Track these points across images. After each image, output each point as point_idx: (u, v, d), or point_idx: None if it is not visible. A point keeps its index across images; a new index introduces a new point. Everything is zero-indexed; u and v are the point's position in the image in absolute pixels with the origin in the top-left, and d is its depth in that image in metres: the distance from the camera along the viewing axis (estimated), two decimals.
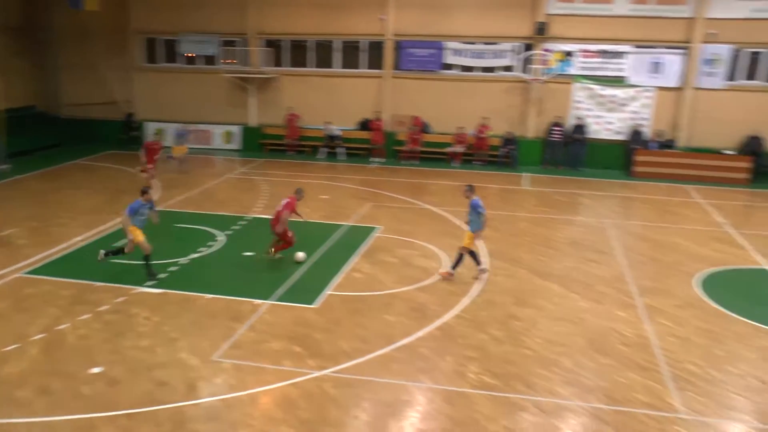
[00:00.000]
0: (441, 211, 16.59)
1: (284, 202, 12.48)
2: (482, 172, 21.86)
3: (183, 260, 12.61)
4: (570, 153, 22.64)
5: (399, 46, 23.58)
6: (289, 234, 12.57)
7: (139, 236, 11.34)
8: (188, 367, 8.71)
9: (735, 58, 21.79)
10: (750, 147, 21.62)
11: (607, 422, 7.79)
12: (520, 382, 8.60)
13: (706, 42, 21.55)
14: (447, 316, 10.52)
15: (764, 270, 13.19)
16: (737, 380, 8.89)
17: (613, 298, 11.52)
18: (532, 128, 23.26)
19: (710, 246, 14.49)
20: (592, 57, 22.53)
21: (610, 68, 22.49)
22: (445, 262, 12.73)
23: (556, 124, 22.59)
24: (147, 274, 11.59)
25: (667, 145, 22.08)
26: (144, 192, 11.68)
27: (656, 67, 22.21)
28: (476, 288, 11.71)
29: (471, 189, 12.11)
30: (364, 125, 24.19)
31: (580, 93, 22.79)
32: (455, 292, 11.48)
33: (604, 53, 22.43)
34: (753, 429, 7.82)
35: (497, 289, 11.78)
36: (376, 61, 24.08)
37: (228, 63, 24.95)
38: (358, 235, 14.47)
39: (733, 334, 10.24)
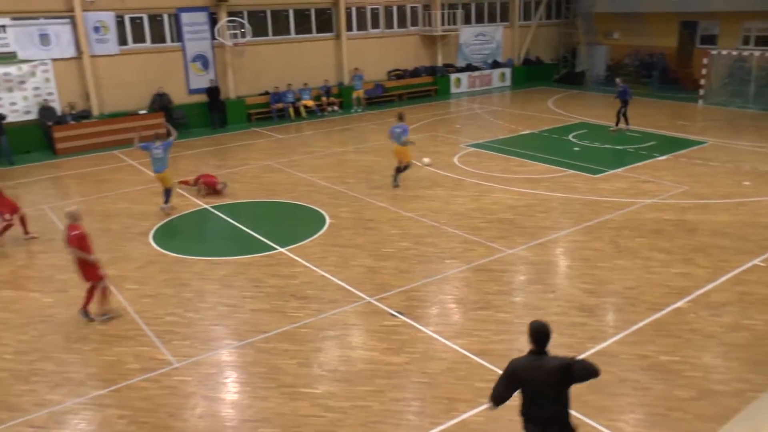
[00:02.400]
0: None
1: None
2: None
3: None
4: None
5: None
6: None
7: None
8: None
9: (120, 24, 22.52)
10: (159, 104, 23.05)
11: (110, 405, 7.63)
12: (3, 410, 7.59)
13: (87, 10, 21.54)
14: None
15: (205, 209, 14.60)
16: (209, 313, 9.82)
17: (77, 281, 11.02)
18: None
19: (153, 201, 15.16)
20: None
21: None
22: None
23: None
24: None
25: (83, 116, 21.69)
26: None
27: (45, 39, 21.16)
28: None
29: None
30: None
31: None
32: None
33: None
34: (234, 348, 8.83)
35: None
36: None
37: None
38: None
39: (194, 275, 11.16)
